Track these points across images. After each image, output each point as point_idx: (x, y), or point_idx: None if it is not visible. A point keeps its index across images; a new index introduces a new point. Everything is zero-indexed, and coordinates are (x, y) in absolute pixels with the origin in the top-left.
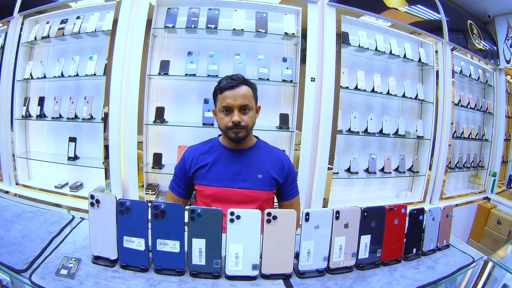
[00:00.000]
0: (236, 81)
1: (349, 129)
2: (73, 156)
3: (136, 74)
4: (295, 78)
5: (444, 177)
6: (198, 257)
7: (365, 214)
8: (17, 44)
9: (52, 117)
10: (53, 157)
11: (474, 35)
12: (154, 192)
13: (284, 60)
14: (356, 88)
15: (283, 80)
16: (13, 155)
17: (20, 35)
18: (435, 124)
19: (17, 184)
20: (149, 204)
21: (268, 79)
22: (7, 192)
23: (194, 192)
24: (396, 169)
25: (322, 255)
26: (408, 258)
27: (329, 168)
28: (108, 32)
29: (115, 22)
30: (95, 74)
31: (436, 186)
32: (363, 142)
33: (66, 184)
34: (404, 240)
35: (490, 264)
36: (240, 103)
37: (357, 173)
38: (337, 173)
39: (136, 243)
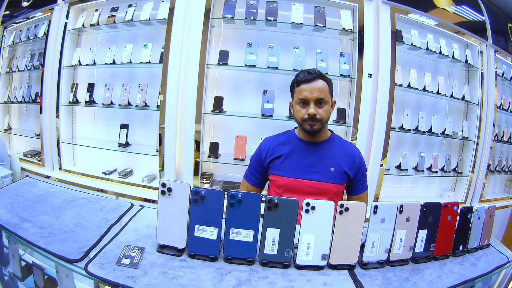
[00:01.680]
0: (312, 75)
1: (401, 126)
2: (124, 142)
3: (194, 63)
4: (352, 73)
5: (485, 180)
6: (271, 247)
7: (424, 209)
8: (63, 31)
9: (103, 104)
10: (101, 143)
11: None
12: (208, 181)
13: (342, 55)
14: (408, 86)
15: (341, 75)
16: (58, 141)
17: (66, 22)
18: (479, 125)
19: (60, 169)
20: (225, 193)
21: (326, 73)
22: (48, 176)
23: (267, 182)
24: (442, 169)
25: (384, 247)
26: (455, 254)
27: (380, 165)
28: (163, 21)
29: (171, 11)
30: (150, 62)
31: (477, 188)
32: (413, 140)
33: (115, 170)
34: (454, 236)
35: None
36: (316, 96)
37: (406, 170)
38: (388, 169)
39: (208, 232)
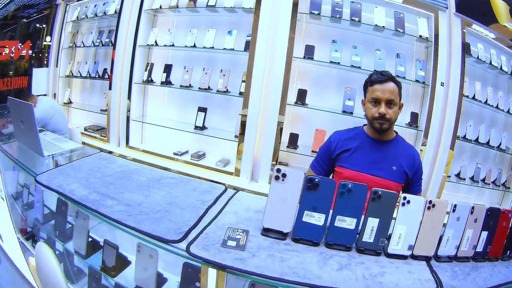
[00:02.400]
0: (385, 76)
1: (464, 136)
2: (201, 126)
3: (281, 55)
4: (426, 80)
5: None
6: (369, 235)
7: (489, 213)
8: (138, 11)
9: (181, 85)
10: (174, 124)
11: None
12: None
13: (418, 61)
14: (473, 98)
15: (416, 81)
16: (128, 118)
17: (142, 1)
18: None
19: (127, 146)
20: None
21: (404, 77)
22: (110, 152)
23: (333, 173)
24: (493, 182)
25: (455, 243)
26: (504, 258)
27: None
28: (249, 9)
29: (258, 0)
30: (233, 49)
31: None
32: (472, 150)
33: (186, 152)
34: (505, 241)
35: None
36: (387, 97)
37: (464, 179)
38: (449, 176)
39: (316, 218)
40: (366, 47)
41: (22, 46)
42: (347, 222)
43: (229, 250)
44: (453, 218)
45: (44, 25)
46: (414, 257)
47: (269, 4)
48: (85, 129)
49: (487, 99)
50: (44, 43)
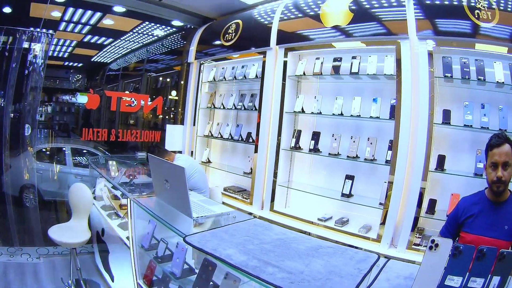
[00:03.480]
0: (501, 139)
1: None
2: (348, 193)
3: (424, 120)
4: None
5: None
6: None
7: None
8: (282, 76)
9: (329, 153)
10: (320, 191)
11: None
12: (420, 235)
13: None
14: None
15: None
16: (275, 183)
17: (285, 67)
18: None
19: (272, 210)
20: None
21: None
22: (250, 213)
23: (458, 238)
24: None
25: None
26: None
27: None
28: (390, 76)
29: (398, 65)
30: (379, 117)
31: None
32: None
33: (331, 218)
34: None
35: None
36: (503, 160)
37: None
38: None
39: (455, 281)
40: (490, 106)
41: (154, 100)
42: (477, 282)
43: None
44: None
45: (174, 82)
46: None
47: (407, 68)
48: (225, 189)
49: None
50: (170, 97)
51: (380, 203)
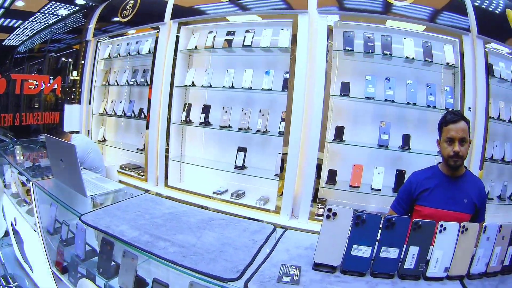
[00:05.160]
0: (458, 116)
1: (491, 157)
2: (241, 165)
3: (319, 93)
4: (455, 106)
5: None
6: (410, 262)
7: None
8: (174, 51)
9: (220, 126)
10: (213, 164)
11: None
12: (322, 206)
13: (447, 89)
14: (498, 118)
15: (446, 109)
16: (167, 158)
17: (177, 42)
18: None
19: (166, 185)
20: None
21: (434, 106)
22: (147, 190)
23: (412, 212)
24: None
25: (485, 261)
26: None
27: None
28: (284, 49)
29: (294, 40)
30: (271, 89)
31: None
32: (498, 170)
33: (226, 191)
34: None
35: None
36: (460, 136)
37: (492, 199)
38: (492, 199)
39: (363, 251)
40: (398, 79)
41: (53, 81)
42: (390, 252)
43: (284, 285)
44: (484, 238)
45: (74, 61)
46: (449, 277)
47: (303, 42)
48: (121, 167)
49: (510, 117)
50: (71, 78)
51: (276, 175)
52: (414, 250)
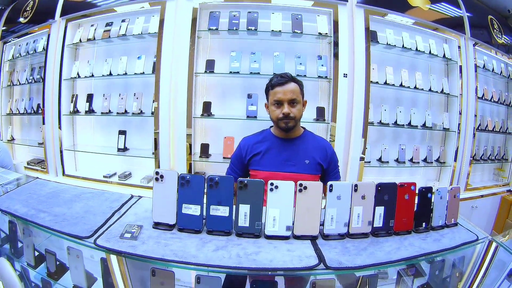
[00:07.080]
0: (285, 78)
1: (380, 121)
2: (123, 147)
3: (184, 72)
4: (329, 74)
5: (469, 168)
6: (243, 220)
7: (379, 188)
8: (62, 46)
9: (102, 112)
10: (101, 149)
11: (495, 30)
12: None
13: (319, 57)
14: (385, 83)
15: (319, 77)
16: (61, 148)
17: (64, 37)
18: (459, 116)
19: (64, 174)
20: (205, 177)
21: (305, 75)
22: (49, 180)
23: (248, 177)
24: (425, 160)
25: (343, 221)
26: (418, 231)
27: (361, 158)
28: (154, 34)
29: (161, 24)
30: (143, 73)
31: (462, 177)
32: (394, 134)
33: (115, 174)
34: (414, 214)
35: (494, 245)
36: (289, 97)
37: (387, 162)
38: (369, 162)
39: (193, 210)
40: (266, 53)
41: None
42: (220, 211)
43: (125, 240)
44: (332, 198)
45: None
46: (297, 237)
47: (170, 26)
48: (28, 163)
49: (401, 82)
50: None
51: (153, 153)
52: (245, 208)
